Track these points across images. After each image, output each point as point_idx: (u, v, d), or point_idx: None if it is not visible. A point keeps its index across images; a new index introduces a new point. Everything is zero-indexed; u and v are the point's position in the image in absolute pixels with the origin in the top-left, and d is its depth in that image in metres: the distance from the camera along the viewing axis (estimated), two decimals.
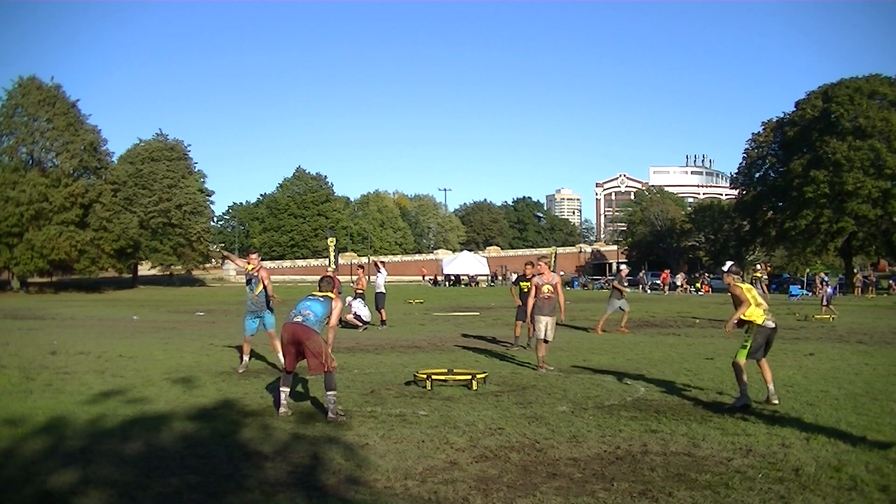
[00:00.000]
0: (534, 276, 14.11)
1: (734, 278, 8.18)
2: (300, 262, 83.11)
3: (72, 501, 4.57)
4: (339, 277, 21.70)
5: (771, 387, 7.83)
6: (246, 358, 10.53)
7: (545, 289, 10.79)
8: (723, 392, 8.48)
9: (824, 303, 23.86)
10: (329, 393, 7.06)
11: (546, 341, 10.66)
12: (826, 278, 31.36)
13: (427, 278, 76.77)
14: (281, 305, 10.78)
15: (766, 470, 5.18)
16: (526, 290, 14.02)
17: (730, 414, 7.18)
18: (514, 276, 15.33)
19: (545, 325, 10.62)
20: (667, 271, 55.61)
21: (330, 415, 6.98)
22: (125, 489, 4.77)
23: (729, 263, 8.60)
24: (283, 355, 7.53)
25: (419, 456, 5.65)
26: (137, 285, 59.91)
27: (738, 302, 7.94)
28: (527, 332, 13.88)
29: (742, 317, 7.85)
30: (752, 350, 7.82)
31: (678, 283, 51.24)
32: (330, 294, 7.64)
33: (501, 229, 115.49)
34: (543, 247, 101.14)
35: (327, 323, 7.51)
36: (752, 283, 23.46)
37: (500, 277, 76.34)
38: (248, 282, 10.62)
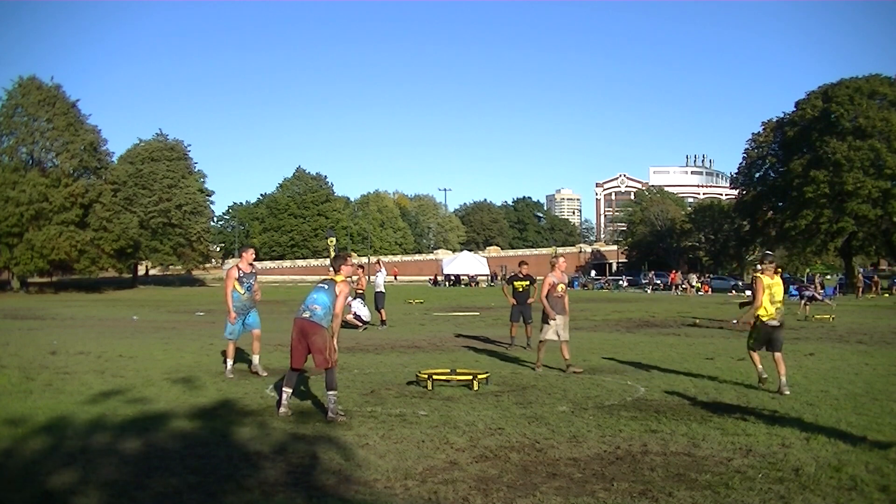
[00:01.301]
0: (521, 274, 14.07)
1: (763, 268, 8.81)
2: (300, 262, 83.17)
3: (71, 501, 4.56)
4: None
5: (783, 379, 8.35)
6: (231, 362, 9.89)
7: (560, 287, 10.68)
8: (722, 392, 8.49)
9: (821, 300, 23.68)
10: (329, 392, 7.03)
11: (566, 341, 10.53)
12: (811, 278, 31.15)
13: (414, 279, 76.74)
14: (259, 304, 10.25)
15: (766, 470, 5.18)
16: (520, 289, 13.96)
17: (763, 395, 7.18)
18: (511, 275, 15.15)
19: (556, 324, 10.47)
20: (675, 272, 55.67)
21: (329, 414, 6.96)
22: (125, 489, 4.77)
23: (768, 253, 9.41)
24: (291, 352, 7.39)
25: (419, 456, 5.64)
26: (137, 285, 59.95)
27: (754, 295, 8.60)
28: (524, 331, 13.83)
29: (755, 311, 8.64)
30: (753, 342, 8.79)
31: (693, 283, 51.31)
32: (336, 277, 7.41)
33: (501, 229, 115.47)
34: (543, 247, 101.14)
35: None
36: (751, 283, 23.52)
37: (499, 277, 76.34)
38: (241, 280, 9.83)
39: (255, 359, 10.00)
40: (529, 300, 13.86)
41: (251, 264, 10.12)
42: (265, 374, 9.70)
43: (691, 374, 9.96)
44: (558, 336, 10.46)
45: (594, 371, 10.39)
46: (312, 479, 5.03)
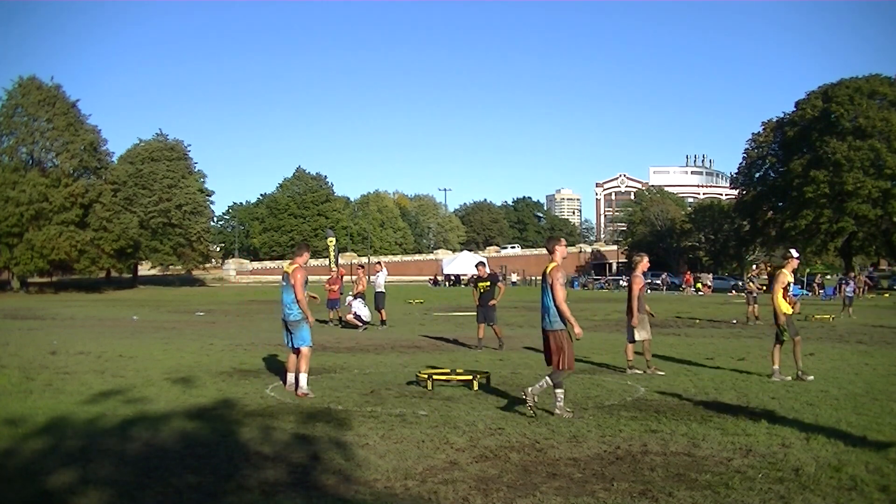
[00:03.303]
0: (483, 275, 14.02)
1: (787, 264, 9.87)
2: None
3: (71, 501, 4.56)
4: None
5: (775, 367, 9.57)
6: (291, 376, 8.56)
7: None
8: (722, 392, 8.49)
9: (846, 303, 23.51)
10: (556, 391, 7.10)
11: (648, 339, 10.51)
12: (845, 279, 30.64)
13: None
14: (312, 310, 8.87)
15: (766, 470, 5.18)
16: (483, 290, 13.82)
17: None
18: (510, 278, 15.10)
19: (644, 322, 10.50)
20: (689, 273, 55.57)
21: (557, 411, 7.04)
22: (125, 489, 4.77)
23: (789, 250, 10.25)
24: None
25: (419, 456, 5.64)
26: (137, 285, 59.96)
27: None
28: (493, 333, 13.64)
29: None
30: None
31: (708, 283, 51.28)
32: (549, 265, 7.35)
33: (501, 229, 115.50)
34: (543, 247, 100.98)
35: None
36: (750, 281, 23.53)
37: (503, 277, 76.19)
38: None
39: (303, 378, 8.39)
40: (491, 301, 13.62)
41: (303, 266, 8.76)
42: (312, 394, 8.25)
43: (691, 375, 9.97)
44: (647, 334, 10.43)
45: (594, 371, 10.39)
46: (312, 479, 5.03)
